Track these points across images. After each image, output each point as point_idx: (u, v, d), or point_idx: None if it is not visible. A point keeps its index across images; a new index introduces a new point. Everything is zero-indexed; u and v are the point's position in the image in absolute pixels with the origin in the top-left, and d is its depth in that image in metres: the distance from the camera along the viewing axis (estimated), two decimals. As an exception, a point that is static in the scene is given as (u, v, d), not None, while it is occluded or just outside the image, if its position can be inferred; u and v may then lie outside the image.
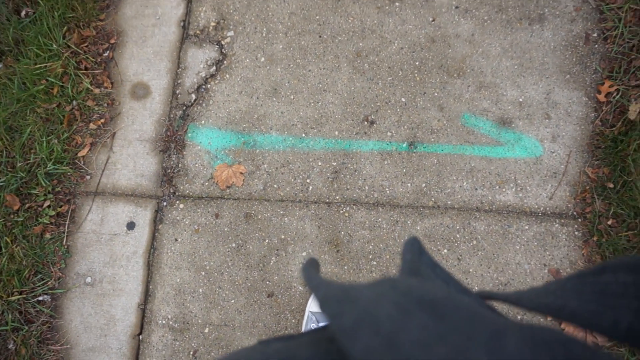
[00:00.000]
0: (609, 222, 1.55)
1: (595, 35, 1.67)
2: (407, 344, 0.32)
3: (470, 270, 1.59)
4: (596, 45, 1.67)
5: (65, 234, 1.71)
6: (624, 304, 0.35)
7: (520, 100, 1.67)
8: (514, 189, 1.62)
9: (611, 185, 1.56)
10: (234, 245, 1.67)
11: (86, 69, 1.80)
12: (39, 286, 1.66)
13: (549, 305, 0.42)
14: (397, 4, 1.77)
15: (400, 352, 0.31)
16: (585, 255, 1.57)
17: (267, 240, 1.66)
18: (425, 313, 0.35)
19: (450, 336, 0.32)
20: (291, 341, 0.54)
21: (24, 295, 1.64)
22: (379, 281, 0.47)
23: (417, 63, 1.72)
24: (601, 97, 1.62)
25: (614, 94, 1.61)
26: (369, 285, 0.46)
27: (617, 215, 1.55)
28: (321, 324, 1.52)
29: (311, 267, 0.64)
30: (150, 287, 1.68)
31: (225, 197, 1.71)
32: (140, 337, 1.65)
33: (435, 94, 1.70)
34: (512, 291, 0.50)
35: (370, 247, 1.63)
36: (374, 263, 1.62)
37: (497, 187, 1.63)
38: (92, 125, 1.77)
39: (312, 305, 1.57)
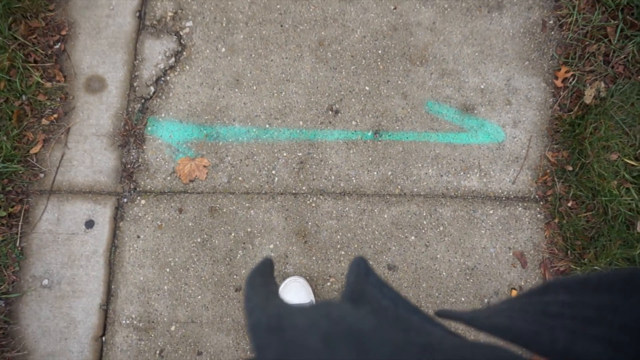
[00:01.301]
0: (569, 204, 1.59)
1: (551, 22, 1.71)
2: None
3: (438, 256, 1.60)
4: (552, 32, 1.70)
5: (19, 235, 1.62)
6: (561, 325, 0.37)
7: (482, 87, 1.69)
8: (478, 175, 1.64)
9: (570, 168, 1.60)
10: (199, 240, 1.63)
11: (35, 62, 1.71)
12: (-9, 291, 1.57)
13: (497, 326, 0.44)
14: (358, -8, 1.76)
15: None
16: (548, 237, 1.60)
17: (233, 234, 1.63)
18: (351, 347, 0.36)
19: None
20: None
21: (-25, 302, 1.55)
22: (316, 305, 0.48)
23: (379, 51, 1.72)
24: (558, 83, 1.66)
25: (570, 79, 1.65)
26: (306, 310, 0.47)
27: (576, 197, 1.59)
28: None
29: (258, 275, 0.64)
30: (113, 286, 1.62)
31: (189, 191, 1.66)
32: (104, 338, 1.59)
33: (399, 82, 1.70)
34: (468, 310, 0.52)
35: (338, 236, 1.62)
36: (342, 253, 1.61)
37: (461, 173, 1.65)
38: (44, 121, 1.68)
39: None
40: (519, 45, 1.71)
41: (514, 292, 1.58)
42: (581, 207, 1.59)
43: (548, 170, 1.63)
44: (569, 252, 1.57)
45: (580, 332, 0.34)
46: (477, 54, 1.71)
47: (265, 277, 0.67)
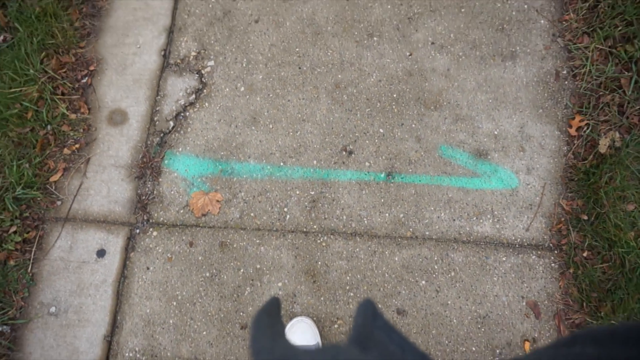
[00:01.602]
0: (585, 254, 1.56)
1: (564, 72, 1.74)
2: None
3: (449, 302, 1.57)
4: (566, 82, 1.73)
5: (31, 261, 1.64)
6: None
7: (496, 132, 1.70)
8: (491, 220, 1.63)
9: (585, 217, 1.58)
10: (207, 274, 1.62)
11: (63, 94, 1.78)
12: (-2, 316, 1.57)
13: None
14: (375, 38, 1.82)
15: None
16: (562, 287, 1.56)
17: (242, 270, 1.62)
18: None
19: None
20: None
21: (-18, 327, 1.55)
22: (323, 348, 0.48)
23: (394, 95, 1.76)
24: (572, 131, 1.66)
25: (585, 128, 1.65)
26: (312, 352, 0.47)
27: (592, 247, 1.56)
28: None
29: (265, 316, 0.64)
30: (118, 317, 1.61)
31: (201, 225, 1.67)
32: (105, 372, 1.57)
33: (413, 125, 1.72)
34: None
35: (348, 277, 1.60)
36: (351, 294, 1.59)
37: (474, 218, 1.63)
38: (66, 151, 1.74)
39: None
40: (533, 94, 1.73)
41: (527, 344, 1.53)
42: (597, 258, 1.55)
43: (562, 219, 1.61)
44: (584, 304, 1.52)
45: None
46: (490, 100, 1.73)
47: (272, 318, 0.67)
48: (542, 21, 1.80)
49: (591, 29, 1.71)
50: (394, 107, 1.75)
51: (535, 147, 1.68)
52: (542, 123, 1.70)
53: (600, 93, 1.66)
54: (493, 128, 1.71)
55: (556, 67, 1.74)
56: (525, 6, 1.81)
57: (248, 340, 1.55)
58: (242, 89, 1.80)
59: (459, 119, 1.72)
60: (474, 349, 1.52)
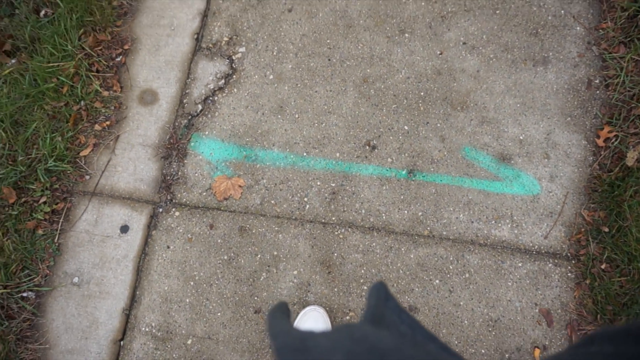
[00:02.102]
0: (603, 266, 1.55)
1: (597, 81, 1.71)
2: None
3: (461, 303, 1.58)
4: (597, 92, 1.70)
5: (58, 231, 1.70)
6: None
7: (521, 138, 1.69)
8: (509, 225, 1.63)
9: (606, 230, 1.56)
10: (225, 257, 1.66)
11: (97, 71, 1.83)
12: (24, 282, 1.64)
13: None
14: (406, 35, 1.82)
15: None
16: (577, 297, 1.56)
17: (259, 256, 1.65)
18: None
19: None
20: None
21: (8, 290, 1.62)
22: (338, 328, 0.50)
23: (422, 93, 1.76)
24: (600, 142, 1.64)
25: (613, 140, 1.63)
26: (328, 333, 0.48)
27: (611, 260, 1.55)
28: None
29: (278, 311, 0.66)
30: (137, 292, 1.66)
31: (222, 208, 1.71)
32: (122, 343, 1.62)
33: (438, 124, 1.72)
34: None
35: (362, 271, 1.62)
36: (365, 287, 1.61)
37: (493, 222, 1.63)
38: (97, 127, 1.79)
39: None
40: (562, 101, 1.71)
41: (537, 351, 1.53)
42: (615, 271, 1.54)
43: (583, 229, 1.60)
44: (598, 316, 1.52)
45: None
46: (518, 105, 1.72)
47: (284, 313, 0.69)
48: (578, 28, 1.77)
49: (628, 38, 1.68)
50: (420, 105, 1.75)
51: (561, 155, 1.67)
52: (570, 131, 1.68)
53: (632, 105, 1.63)
54: (519, 133, 1.70)
55: (589, 75, 1.72)
56: (562, 11, 1.79)
57: (266, 327, 1.59)
58: (271, 77, 1.82)
59: (485, 121, 1.72)
60: (483, 351, 1.53)
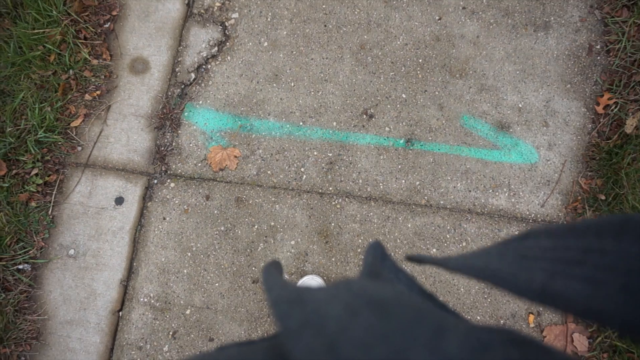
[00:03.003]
0: (598, 233, 1.55)
1: (598, 47, 1.68)
2: (349, 344, 0.32)
3: (457, 271, 1.59)
4: (598, 57, 1.67)
5: (52, 203, 1.68)
6: (540, 266, 0.35)
7: (520, 105, 1.67)
8: (507, 194, 1.62)
9: (603, 197, 1.57)
10: (222, 228, 1.65)
11: (85, 38, 1.76)
12: (19, 254, 1.63)
13: (472, 266, 0.43)
14: (405, -1, 1.77)
15: (340, 354, 0.32)
16: (572, 264, 1.57)
17: (256, 226, 1.65)
18: (372, 313, 0.36)
19: (393, 336, 0.32)
20: (249, 346, 0.54)
21: (4, 263, 1.60)
22: (335, 282, 0.48)
23: (420, 60, 1.72)
24: (599, 109, 1.63)
25: (613, 107, 1.61)
26: (325, 287, 0.47)
27: (606, 227, 1.56)
28: None
29: (272, 267, 0.65)
30: (134, 264, 1.66)
31: (218, 179, 1.69)
32: (120, 313, 1.63)
33: (436, 92, 1.70)
34: (440, 256, 0.51)
35: (360, 240, 1.62)
36: (362, 257, 1.62)
37: (490, 191, 1.63)
38: (87, 97, 1.74)
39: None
40: (562, 68, 1.68)
41: (532, 317, 1.56)
42: (610, 238, 1.55)
43: (579, 197, 1.60)
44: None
45: (560, 272, 0.33)
46: (518, 72, 1.69)
47: (278, 270, 0.69)
48: (581, -9, 1.73)
49: (632, 1, 1.64)
50: (418, 72, 1.71)
51: (560, 123, 1.65)
52: (569, 99, 1.66)
53: (633, 71, 1.60)
54: (518, 100, 1.67)
55: (590, 41, 1.68)
56: (565, -26, 1.74)
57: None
58: (266, 44, 1.77)
59: (484, 89, 1.69)
60: (478, 317, 1.56)
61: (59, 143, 1.70)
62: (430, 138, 1.67)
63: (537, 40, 1.70)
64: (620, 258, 0.29)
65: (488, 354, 0.29)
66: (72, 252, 1.66)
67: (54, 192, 1.68)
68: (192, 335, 1.59)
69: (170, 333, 1.60)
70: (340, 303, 0.39)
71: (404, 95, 1.70)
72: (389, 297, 0.41)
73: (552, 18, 1.71)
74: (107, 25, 1.80)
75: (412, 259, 0.57)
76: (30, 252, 1.63)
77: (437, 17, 1.74)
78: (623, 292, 0.27)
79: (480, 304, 1.57)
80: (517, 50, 1.70)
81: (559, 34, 1.70)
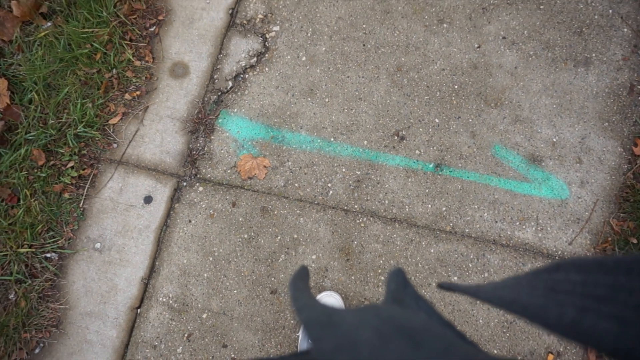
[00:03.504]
0: (626, 277, 1.51)
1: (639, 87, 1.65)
2: None
3: (478, 302, 1.57)
4: (639, 98, 1.65)
5: (84, 196, 1.73)
6: (570, 301, 0.35)
7: (554, 140, 1.65)
8: (534, 228, 1.60)
9: (635, 241, 1.53)
10: (246, 236, 1.67)
11: (131, 40, 1.82)
12: (49, 243, 1.67)
13: (503, 297, 0.43)
14: (444, 25, 1.77)
15: None
16: (597, 306, 1.53)
17: (279, 237, 1.66)
18: (403, 340, 0.37)
19: None
20: None
21: (33, 250, 1.65)
22: (363, 307, 0.49)
23: (456, 86, 1.72)
24: (637, 150, 1.60)
25: (651, 149, 1.58)
26: (353, 311, 0.48)
27: (635, 272, 1.52)
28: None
29: (299, 280, 0.66)
30: (157, 263, 1.68)
31: (245, 187, 1.71)
32: (139, 310, 1.66)
33: (470, 120, 1.69)
34: (472, 284, 0.51)
35: (381, 261, 1.62)
36: (382, 278, 1.61)
37: (517, 223, 1.61)
38: (127, 96, 1.79)
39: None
40: (601, 105, 1.66)
41: (551, 357, 1.52)
42: None
43: (609, 238, 1.57)
44: (617, 327, 1.50)
45: (590, 309, 0.33)
46: (554, 106, 1.68)
47: (305, 282, 0.70)
48: (625, 29, 1.70)
49: (678, 45, 1.62)
50: (453, 98, 1.71)
51: (594, 160, 1.63)
52: (606, 137, 1.64)
53: (675, 115, 1.57)
54: (552, 135, 1.66)
55: (632, 80, 1.66)
56: (610, 11, 1.72)
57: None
58: (304, 58, 1.80)
59: (519, 120, 1.68)
60: (495, 352, 1.53)
61: (97, 139, 1.75)
62: (460, 165, 1.66)
63: (577, 75, 1.69)
64: None
65: None
66: (98, 245, 1.70)
67: (87, 186, 1.73)
68: (207, 340, 1.61)
69: (185, 335, 1.62)
70: (370, 328, 0.40)
71: (437, 120, 1.70)
72: (417, 326, 0.42)
73: (594, 54, 1.69)
74: (152, 29, 1.86)
75: (443, 286, 0.57)
76: (59, 241, 1.68)
77: (476, 45, 1.74)
78: None
79: (498, 337, 1.54)
80: (555, 84, 1.69)
81: (600, 71, 1.68)
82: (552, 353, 1.52)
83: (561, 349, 1.52)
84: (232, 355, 1.58)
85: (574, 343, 0.33)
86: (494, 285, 0.48)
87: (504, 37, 1.75)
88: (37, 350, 1.62)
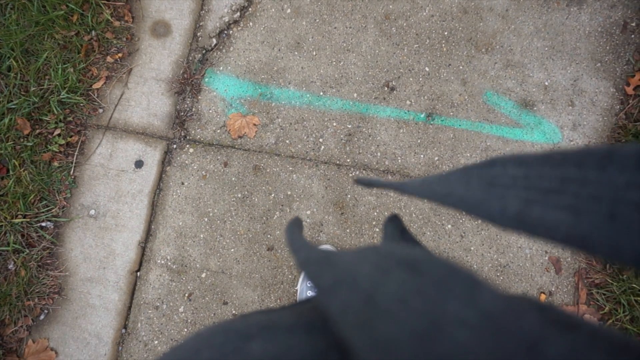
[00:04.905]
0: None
1: (633, 24, 1.61)
2: (385, 298, 0.32)
3: (472, 248, 1.59)
4: (633, 36, 1.61)
5: (74, 164, 1.71)
6: (513, 194, 0.32)
7: (546, 83, 1.63)
8: (526, 173, 1.60)
9: (625, 181, 1.53)
10: (239, 195, 1.67)
11: (108, -1, 1.75)
12: (43, 212, 1.67)
13: (435, 191, 0.40)
14: (433, -32, 1.71)
15: (377, 306, 0.32)
16: (588, 246, 1.56)
17: (273, 195, 1.66)
18: (403, 271, 0.35)
19: (427, 289, 0.31)
20: (273, 313, 0.55)
21: (28, 220, 1.65)
22: (361, 247, 0.48)
23: (445, 33, 1.68)
24: (629, 90, 1.58)
25: (644, 88, 1.56)
26: (351, 250, 0.47)
27: (626, 211, 1.53)
28: (310, 294, 1.53)
29: (295, 227, 0.65)
30: (152, 226, 1.69)
31: (236, 146, 1.69)
32: (138, 273, 1.68)
33: (461, 67, 1.66)
34: (396, 180, 0.50)
35: (375, 213, 1.63)
36: (377, 230, 1.63)
37: (509, 169, 1.61)
38: (109, 59, 1.74)
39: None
40: (594, 45, 1.63)
41: (543, 297, 1.56)
42: (630, 222, 1.53)
43: (601, 180, 1.57)
44: (607, 265, 1.53)
45: (536, 200, 0.30)
46: (546, 48, 1.64)
47: (300, 229, 0.69)
48: (619, -35, 1.65)
49: (672, -22, 1.57)
50: (443, 45, 1.67)
51: (586, 102, 1.61)
52: (598, 78, 1.61)
53: (668, 51, 1.55)
54: (544, 78, 1.63)
55: (625, 17, 1.62)
56: (603, -54, 1.66)
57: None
58: (289, 10, 1.74)
59: (510, 65, 1.65)
60: (490, 294, 1.56)
61: (81, 104, 1.72)
62: (451, 113, 1.64)
63: (569, 15, 1.64)
64: (604, 188, 0.27)
65: (520, 307, 0.29)
66: (92, 212, 1.70)
67: (76, 153, 1.71)
68: (207, 298, 1.64)
69: (186, 295, 1.64)
70: (370, 263, 0.39)
71: (427, 69, 1.67)
72: (418, 256, 0.40)
73: (587, -8, 1.65)
74: (129, -13, 1.78)
75: (361, 182, 0.55)
76: (53, 210, 1.68)
77: (465, -12, 1.69)
78: (610, 220, 0.25)
79: (492, 281, 1.57)
80: (547, 25, 1.65)
81: (593, 9, 1.64)
82: (544, 293, 1.56)
83: (553, 289, 1.55)
84: (233, 311, 1.62)
85: (521, 233, 0.31)
86: (420, 181, 0.45)
87: (494, -21, 1.69)
88: (42, 317, 1.65)
